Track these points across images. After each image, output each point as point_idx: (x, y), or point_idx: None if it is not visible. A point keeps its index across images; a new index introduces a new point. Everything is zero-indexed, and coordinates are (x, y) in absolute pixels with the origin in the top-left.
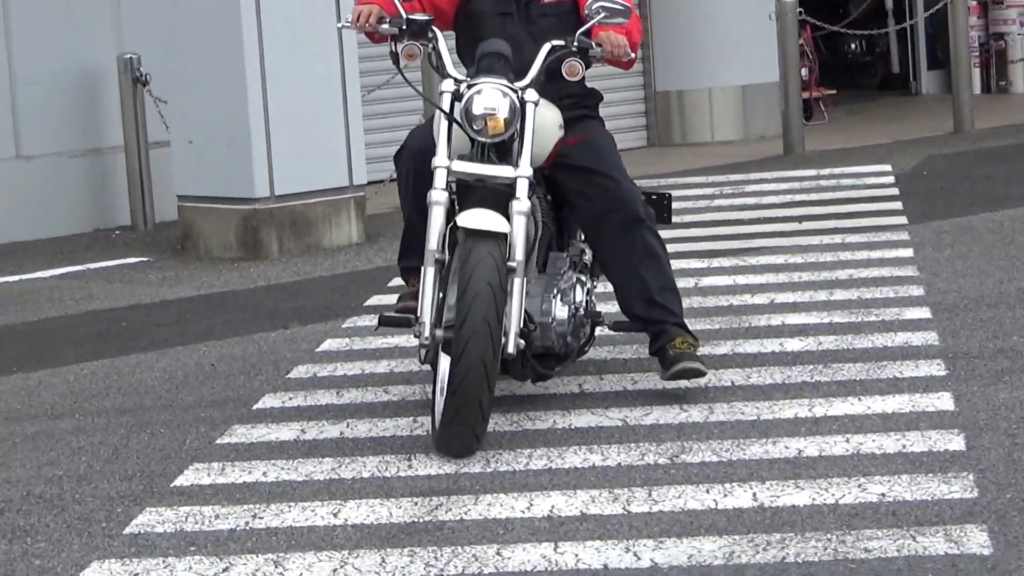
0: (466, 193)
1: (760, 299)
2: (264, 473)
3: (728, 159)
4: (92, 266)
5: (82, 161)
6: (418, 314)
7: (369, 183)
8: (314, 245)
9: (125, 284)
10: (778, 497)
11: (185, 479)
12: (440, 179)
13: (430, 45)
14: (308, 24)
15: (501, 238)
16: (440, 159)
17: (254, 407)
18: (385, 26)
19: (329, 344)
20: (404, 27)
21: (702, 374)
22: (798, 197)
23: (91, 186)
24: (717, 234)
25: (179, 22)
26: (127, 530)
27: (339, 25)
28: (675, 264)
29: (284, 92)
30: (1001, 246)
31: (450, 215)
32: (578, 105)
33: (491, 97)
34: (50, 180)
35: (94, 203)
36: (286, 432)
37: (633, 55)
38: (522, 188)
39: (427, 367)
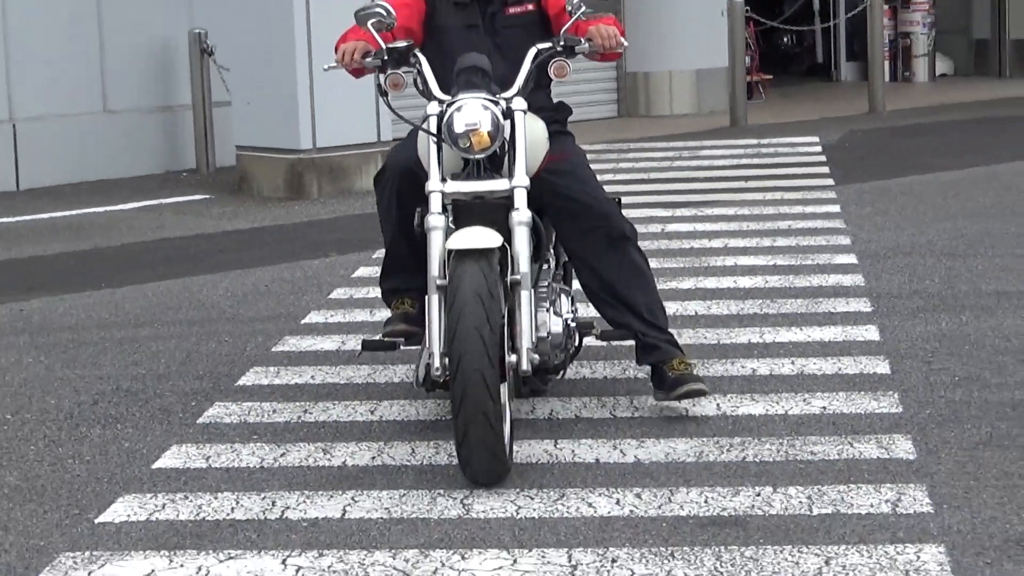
0: (463, 212)
1: (716, 243)
2: (312, 376)
3: (684, 129)
4: (164, 201)
5: (157, 115)
6: (426, 343)
7: (394, 139)
8: (347, 189)
9: (192, 217)
10: (737, 408)
11: (247, 380)
12: (436, 203)
13: (415, 70)
14: (351, 6)
15: (491, 253)
16: (433, 183)
17: (302, 321)
18: (369, 59)
19: (362, 271)
20: (386, 57)
21: (705, 393)
22: (743, 161)
23: (164, 136)
24: (678, 189)
25: (241, 3)
26: (200, 420)
27: (325, 67)
28: (644, 213)
29: (327, 63)
30: (912, 205)
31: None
32: (551, 120)
33: (471, 112)
34: (130, 130)
35: (166, 150)
36: (329, 343)
37: (626, 43)
38: (520, 198)
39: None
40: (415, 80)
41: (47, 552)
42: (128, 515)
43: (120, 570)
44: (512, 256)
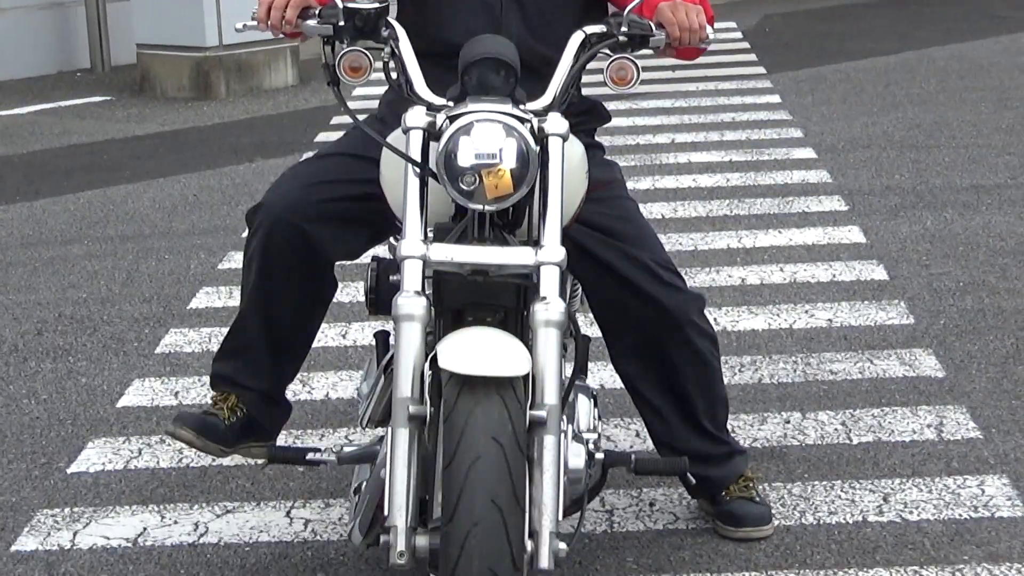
0: (451, 291)
1: (662, 139)
2: None
3: None
4: (63, 104)
5: (48, 12)
6: (384, 511)
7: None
8: (256, 87)
9: (96, 120)
10: (737, 322)
11: (199, 302)
12: (413, 276)
13: (387, 49)
14: None
15: (516, 383)
16: (411, 244)
17: (243, 235)
18: (312, 23)
19: None
20: (342, 22)
21: (766, 520)
22: None
23: (55, 34)
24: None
25: None
26: (158, 350)
27: (239, 27)
28: None
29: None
30: (854, 94)
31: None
32: (578, 128)
33: (488, 137)
34: (20, 28)
35: (57, 48)
36: None
37: (712, 35)
38: (550, 282)
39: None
40: (385, 65)
41: (22, 509)
42: (103, 463)
43: (108, 529)
44: (534, 377)
